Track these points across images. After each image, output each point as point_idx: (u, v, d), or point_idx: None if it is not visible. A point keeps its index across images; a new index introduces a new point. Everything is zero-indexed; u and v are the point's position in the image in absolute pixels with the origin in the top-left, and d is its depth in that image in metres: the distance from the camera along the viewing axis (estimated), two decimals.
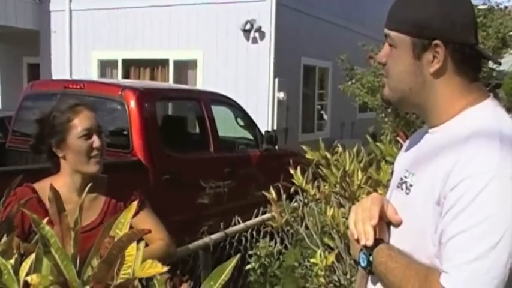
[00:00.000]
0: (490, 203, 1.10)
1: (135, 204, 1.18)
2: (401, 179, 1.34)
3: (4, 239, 1.18)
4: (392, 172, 1.55)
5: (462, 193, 1.12)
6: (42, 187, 1.99)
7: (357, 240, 1.31)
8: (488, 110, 1.26)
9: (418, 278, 1.18)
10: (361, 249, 1.31)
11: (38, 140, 2.08)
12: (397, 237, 1.31)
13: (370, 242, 1.27)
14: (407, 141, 1.51)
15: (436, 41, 1.25)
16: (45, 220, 1.04)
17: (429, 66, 1.27)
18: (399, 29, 1.30)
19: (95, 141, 2.05)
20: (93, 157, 2.04)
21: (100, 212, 2.11)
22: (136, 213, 2.01)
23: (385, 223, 1.33)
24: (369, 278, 1.39)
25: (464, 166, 1.14)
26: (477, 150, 1.15)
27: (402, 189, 1.33)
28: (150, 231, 1.09)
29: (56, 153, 2.05)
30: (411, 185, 1.29)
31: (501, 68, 7.73)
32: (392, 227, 1.33)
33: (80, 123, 2.03)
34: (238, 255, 1.21)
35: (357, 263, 1.35)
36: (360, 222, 1.31)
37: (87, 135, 2.04)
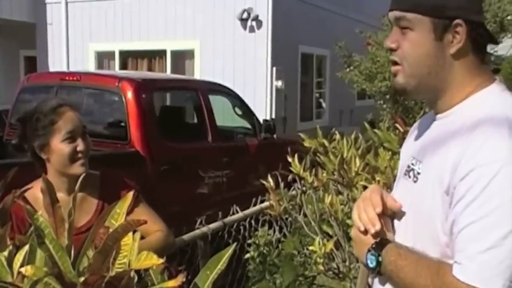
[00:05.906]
0: (501, 192, 1.09)
1: (131, 194, 1.17)
2: (408, 166, 1.33)
3: None
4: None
5: (472, 183, 1.11)
6: (34, 198, 1.85)
7: (364, 233, 1.29)
8: (495, 95, 1.24)
9: (429, 272, 1.16)
10: (369, 250, 1.28)
11: (21, 140, 2.03)
12: (405, 227, 1.29)
13: (378, 227, 1.26)
14: (414, 128, 1.48)
15: (457, 21, 1.21)
16: None
17: (449, 47, 1.24)
18: (417, 10, 1.24)
19: (79, 144, 1.99)
20: (77, 160, 1.99)
21: (95, 211, 2.04)
22: (131, 211, 1.94)
23: (389, 219, 1.32)
24: (376, 278, 1.36)
25: (473, 155, 1.12)
26: (485, 139, 1.13)
27: (409, 176, 1.31)
28: (146, 222, 1.09)
29: (40, 156, 2.00)
30: (418, 173, 1.27)
31: (499, 53, 7.69)
32: (400, 215, 1.31)
33: (63, 125, 1.97)
34: (234, 244, 1.21)
35: (365, 264, 1.31)
36: (364, 213, 1.30)
37: (71, 137, 1.98)
